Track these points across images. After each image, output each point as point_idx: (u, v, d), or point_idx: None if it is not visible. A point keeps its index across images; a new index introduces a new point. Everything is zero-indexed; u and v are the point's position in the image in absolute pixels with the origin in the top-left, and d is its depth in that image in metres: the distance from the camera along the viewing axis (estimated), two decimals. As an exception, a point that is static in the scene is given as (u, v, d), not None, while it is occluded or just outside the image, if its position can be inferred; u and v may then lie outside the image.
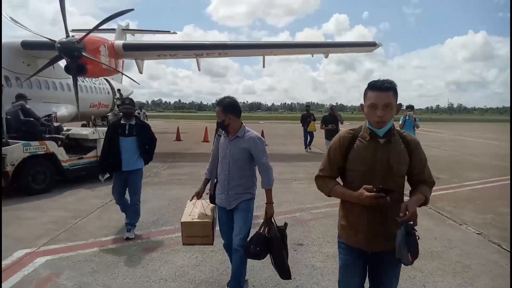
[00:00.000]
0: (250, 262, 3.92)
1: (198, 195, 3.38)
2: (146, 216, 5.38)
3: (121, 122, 4.71)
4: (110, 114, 19.20)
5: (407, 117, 9.49)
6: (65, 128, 8.60)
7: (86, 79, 16.02)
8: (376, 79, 2.00)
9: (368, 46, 13.93)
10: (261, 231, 3.02)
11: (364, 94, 2.01)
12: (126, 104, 4.74)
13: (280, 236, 2.99)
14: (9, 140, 6.74)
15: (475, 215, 5.84)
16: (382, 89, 1.91)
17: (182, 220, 3.38)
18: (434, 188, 2.15)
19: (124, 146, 4.61)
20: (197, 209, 3.46)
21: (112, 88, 19.92)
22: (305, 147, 14.57)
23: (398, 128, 2.08)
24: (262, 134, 17.32)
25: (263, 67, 15.58)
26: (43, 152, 7.08)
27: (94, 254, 4.15)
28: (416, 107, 10.14)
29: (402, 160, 2.01)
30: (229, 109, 3.04)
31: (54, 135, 7.72)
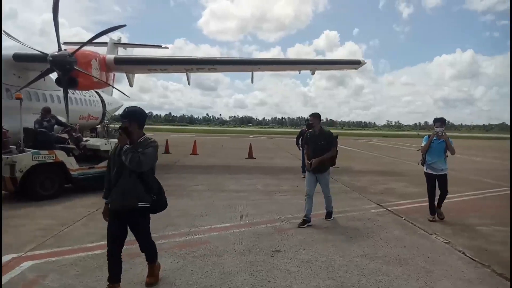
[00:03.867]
0: (226, 266, 4.16)
1: None
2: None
3: None
4: (99, 126, 19.36)
5: (434, 137, 6.28)
6: (84, 139, 9.34)
7: (76, 91, 16.22)
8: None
9: (353, 64, 14.46)
10: None
11: None
12: None
13: None
14: (25, 149, 7.42)
15: (446, 226, 6.16)
16: None
17: None
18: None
19: None
20: None
21: (102, 100, 20.13)
22: (302, 171, 10.98)
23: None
24: (250, 148, 17.67)
25: (252, 82, 16.03)
26: (51, 161, 7.54)
27: (80, 259, 4.33)
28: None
29: None
30: None
31: (65, 145, 8.50)
